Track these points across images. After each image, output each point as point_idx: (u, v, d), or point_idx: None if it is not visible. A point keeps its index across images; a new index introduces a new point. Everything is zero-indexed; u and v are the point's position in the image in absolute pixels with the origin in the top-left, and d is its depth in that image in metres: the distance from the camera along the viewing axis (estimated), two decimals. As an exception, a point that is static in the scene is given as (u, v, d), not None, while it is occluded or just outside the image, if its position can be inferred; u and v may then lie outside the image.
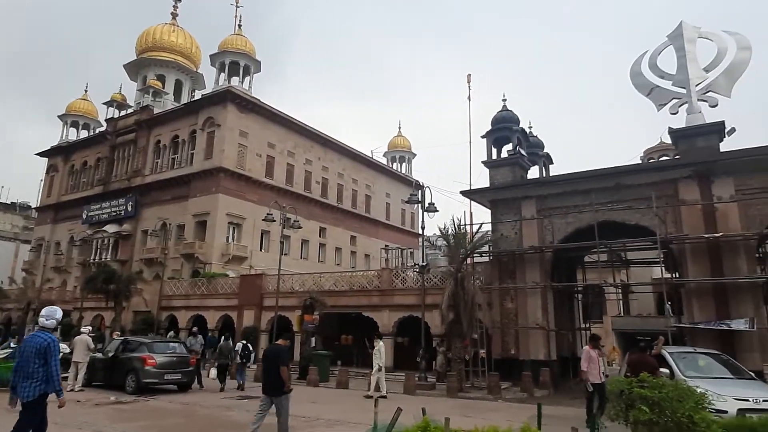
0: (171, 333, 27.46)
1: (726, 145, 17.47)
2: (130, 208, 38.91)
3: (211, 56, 40.33)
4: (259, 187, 35.71)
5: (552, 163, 24.37)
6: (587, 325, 23.45)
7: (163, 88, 45.79)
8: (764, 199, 15.72)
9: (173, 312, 29.63)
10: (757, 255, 17.16)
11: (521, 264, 19.39)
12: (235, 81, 39.70)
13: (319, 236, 40.14)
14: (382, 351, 15.48)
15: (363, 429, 9.51)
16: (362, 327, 23.33)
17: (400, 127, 55.61)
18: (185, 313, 28.91)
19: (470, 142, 36.42)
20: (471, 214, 29.26)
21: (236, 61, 39.54)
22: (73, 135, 49.18)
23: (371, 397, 14.53)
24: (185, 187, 35.72)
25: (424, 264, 19.25)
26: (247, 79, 40.35)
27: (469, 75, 40.50)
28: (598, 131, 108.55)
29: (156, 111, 41.36)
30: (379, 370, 15.13)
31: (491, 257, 20.61)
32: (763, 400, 9.54)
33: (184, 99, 46.83)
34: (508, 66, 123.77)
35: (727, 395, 9.57)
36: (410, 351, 21.17)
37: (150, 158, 39.74)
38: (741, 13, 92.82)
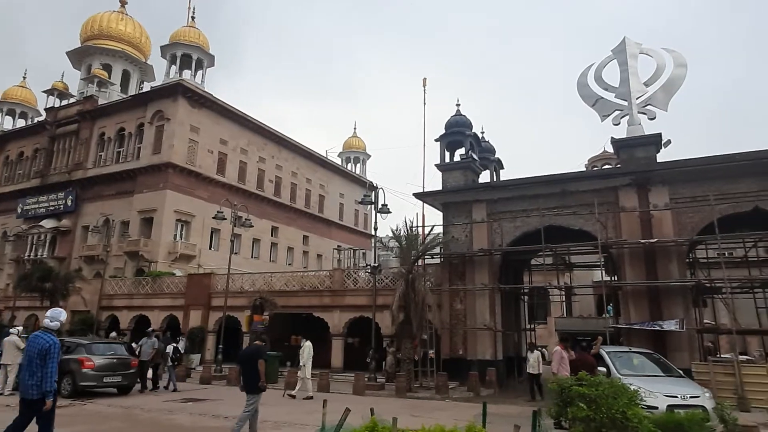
0: (113, 334, 26.35)
1: (662, 156, 18.47)
2: (69, 203, 37.03)
3: (161, 48, 39.02)
4: (210, 185, 34.83)
5: (503, 168, 25.02)
6: (532, 326, 24.22)
7: (110, 78, 43.89)
8: (694, 207, 16.74)
9: (114, 312, 28.44)
10: (687, 260, 18.25)
11: (471, 266, 19.80)
12: (186, 74, 38.61)
13: (271, 235, 39.57)
14: (305, 351, 15.27)
15: (311, 430, 9.47)
16: (313, 328, 23.17)
17: (355, 128, 55.67)
18: (127, 314, 27.81)
19: (424, 145, 36.78)
20: (423, 216, 29.65)
21: (188, 54, 38.43)
22: (9, 124, 46.29)
23: (294, 396, 14.44)
24: (131, 183, 34.36)
25: (376, 265, 19.35)
26: (200, 72, 39.32)
27: (425, 79, 40.83)
28: (550, 137, 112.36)
29: (101, 102, 39.60)
30: (303, 369, 14.97)
31: (442, 259, 20.96)
32: (690, 397, 10.20)
33: (132, 91, 45.06)
34: (464, 71, 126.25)
35: (658, 392, 10.18)
36: (361, 352, 21.20)
37: (93, 151, 37.97)
38: (678, 29, 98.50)
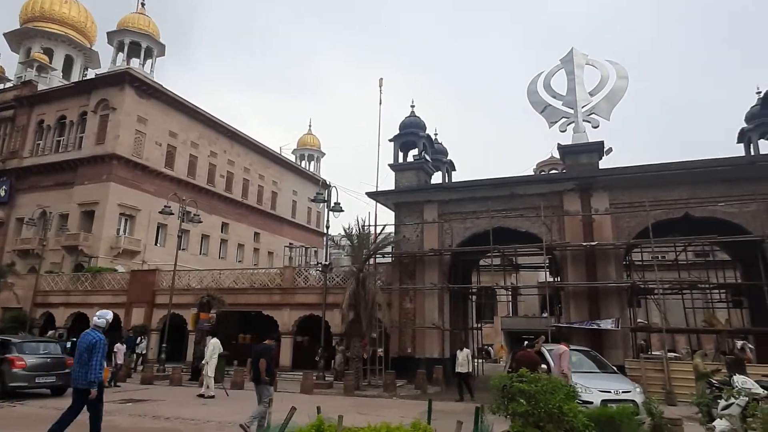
0: (51, 332, 25.11)
1: (604, 163, 19.40)
2: (3, 193, 34.83)
3: (108, 34, 37.33)
4: (158, 178, 33.64)
5: (455, 169, 25.51)
6: (479, 325, 24.80)
7: (51, 63, 41.57)
8: (632, 212, 17.68)
9: (50, 309, 27.05)
10: (624, 262, 19.23)
11: (421, 266, 20.10)
12: (135, 63, 37.09)
13: (221, 232, 38.67)
14: (210, 348, 15.02)
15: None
16: (262, 326, 22.87)
17: (310, 126, 55.22)
18: (64, 311, 26.50)
19: (379, 144, 36.98)
20: (376, 215, 29.84)
21: (137, 42, 36.94)
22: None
23: (204, 395, 14.21)
24: (71, 173, 32.69)
25: (327, 263, 19.31)
26: (149, 62, 37.87)
27: (381, 79, 40.97)
28: (503, 141, 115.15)
29: (41, 87, 37.44)
30: (205, 367, 14.73)
31: (393, 258, 21.16)
32: (623, 392, 10.79)
33: (75, 77, 42.84)
34: (421, 73, 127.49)
35: (594, 388, 10.71)
36: (310, 350, 21.12)
37: (30, 139, 35.87)
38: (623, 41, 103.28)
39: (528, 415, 6.35)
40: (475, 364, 22.74)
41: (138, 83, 33.16)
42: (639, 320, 23.09)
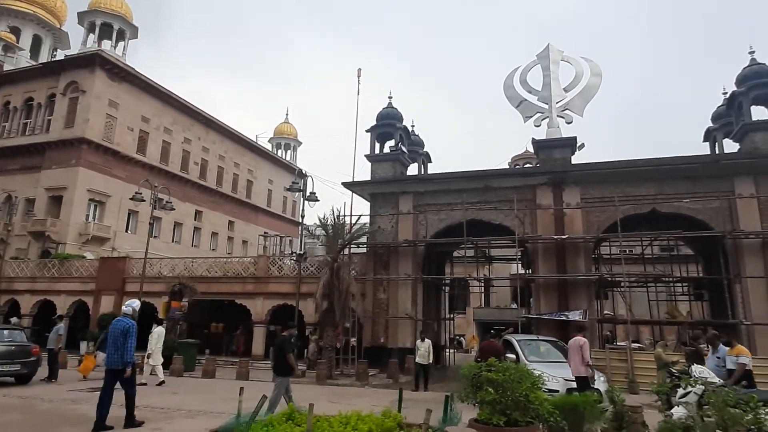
0: (14, 320, 24.46)
1: (576, 158, 19.76)
2: (-34, 177, 33.64)
3: (79, 14, 36.19)
4: (129, 164, 32.93)
5: (431, 161, 25.64)
6: (452, 316, 25.10)
7: (18, 42, 40.14)
8: (602, 207, 18.09)
9: (15, 296, 26.35)
10: (593, 256, 19.70)
11: (395, 256, 20.23)
12: (106, 45, 36.08)
13: (195, 219, 38.13)
14: (154, 337, 14.75)
15: (226, 418, 9.35)
16: (235, 315, 22.76)
17: (287, 114, 54.69)
18: (30, 298, 25.85)
19: (356, 135, 36.86)
20: (352, 205, 29.89)
21: (109, 23, 35.94)
22: None
23: (145, 383, 13.98)
24: (38, 157, 31.74)
25: (302, 252, 19.27)
26: (121, 44, 36.92)
27: (360, 69, 40.78)
28: (480, 134, 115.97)
29: (7, 68, 36.14)
30: (149, 356, 14.55)
31: (368, 249, 21.23)
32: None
33: (44, 58, 41.48)
34: (400, 64, 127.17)
35: (560, 377, 11.01)
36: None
37: (-5, 121, 34.66)
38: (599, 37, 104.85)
39: (495, 403, 6.52)
40: (447, 354, 23.15)
41: (109, 66, 32.28)
42: (606, 312, 23.72)
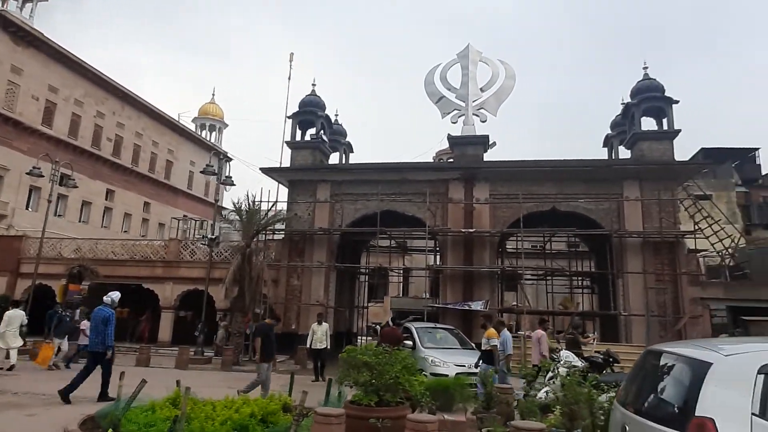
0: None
1: (488, 156, 20.73)
2: None
3: (-23, -32, 32.83)
4: (33, 136, 30.47)
5: (352, 151, 25.85)
6: (367, 304, 25.58)
7: None
8: (508, 203, 19.14)
9: None
10: (499, 249, 20.84)
11: (311, 244, 20.35)
12: (12, 6, 33.07)
13: (106, 199, 36.04)
14: (5, 320, 14.06)
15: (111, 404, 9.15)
16: (142, 300, 21.96)
17: (214, 94, 52.69)
18: None
19: (285, 121, 36.31)
20: (278, 192, 29.49)
21: (13, -19, 32.91)
22: None
23: (1, 368, 13.45)
24: (-77, 124, 28.72)
25: (213, 237, 18.90)
26: (29, 5, 33.96)
27: (292, 54, 40.17)
28: (410, 127, 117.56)
29: None
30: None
31: (284, 235, 21.19)
32: (475, 365, 11.90)
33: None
34: (335, 54, 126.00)
35: (450, 362, 11.71)
36: (193, 325, 20.63)
37: None
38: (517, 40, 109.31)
39: (368, 384, 6.91)
40: (361, 341, 23.60)
41: (14, 29, 29.63)
42: (513, 303, 25.15)
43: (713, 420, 2.99)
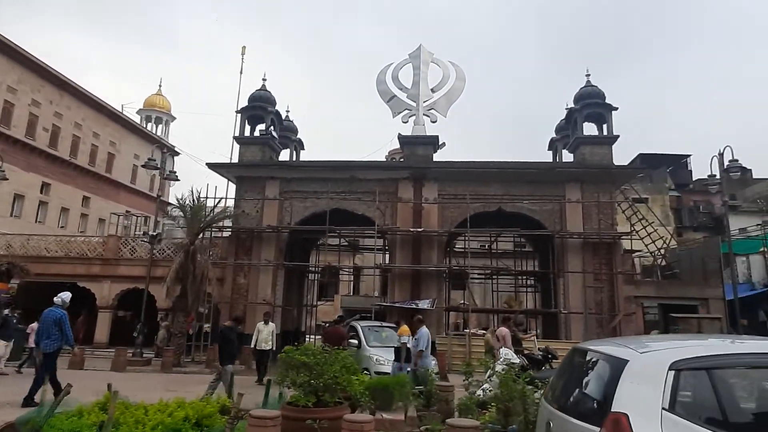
0: None
1: (438, 156, 20.96)
2: None
3: None
4: (-42, 123, 28.49)
5: (303, 148, 25.55)
6: (316, 303, 25.38)
7: None
8: (456, 203, 19.42)
9: None
10: (447, 249, 21.14)
11: (259, 242, 19.95)
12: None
13: (41, 192, 34.03)
14: None
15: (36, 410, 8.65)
16: (78, 299, 20.87)
17: (160, 85, 51.00)
18: None
19: (236, 116, 35.43)
20: (227, 188, 28.70)
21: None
22: None
23: None
24: None
25: (155, 233, 18.23)
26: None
27: (244, 47, 39.25)
28: (365, 126, 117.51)
29: None
30: None
31: (231, 233, 20.69)
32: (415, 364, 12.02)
33: None
34: (289, 50, 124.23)
35: (393, 360, 11.75)
36: (133, 326, 19.86)
37: None
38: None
39: (306, 385, 6.84)
40: (308, 340, 23.37)
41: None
42: (461, 302, 25.63)
43: (627, 415, 3.09)
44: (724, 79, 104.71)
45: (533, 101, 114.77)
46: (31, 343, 13.42)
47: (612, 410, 3.17)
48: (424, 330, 10.48)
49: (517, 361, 9.86)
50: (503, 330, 11.87)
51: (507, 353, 10.02)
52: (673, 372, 3.22)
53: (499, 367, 9.09)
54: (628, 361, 3.37)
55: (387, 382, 8.00)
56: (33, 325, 13.89)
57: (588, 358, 4.05)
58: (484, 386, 9.16)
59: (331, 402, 6.71)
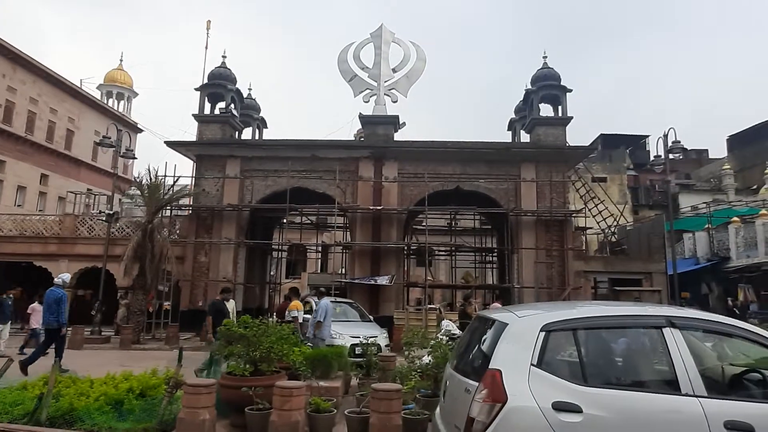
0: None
1: (398, 136, 21.21)
2: None
3: None
4: None
5: (266, 127, 25.41)
6: (280, 281, 25.59)
7: None
8: (415, 182, 19.78)
9: None
10: (407, 226, 21.55)
11: (219, 220, 19.99)
12: None
13: (-4, 170, 33.08)
14: None
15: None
16: (34, 279, 20.66)
17: (121, 60, 49.19)
18: None
19: (201, 92, 34.77)
20: (193, 167, 28.39)
21: None
22: None
23: None
24: None
25: (112, 212, 18.07)
26: None
27: (209, 21, 38.35)
28: (335, 105, 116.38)
29: None
30: None
31: (191, 211, 20.65)
32: (370, 337, 12.45)
33: None
34: (257, 24, 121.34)
35: (346, 333, 12.17)
36: (93, 305, 19.80)
37: None
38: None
39: (243, 355, 7.16)
40: (271, 317, 23.66)
41: None
42: (428, 278, 26.21)
43: (500, 371, 3.50)
44: (702, 54, 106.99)
45: (504, 79, 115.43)
46: (33, 324, 13.44)
47: (489, 367, 3.58)
48: (323, 302, 11.07)
49: (458, 332, 10.37)
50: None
51: (448, 324, 10.53)
52: (543, 333, 3.64)
53: (441, 338, 9.61)
54: (507, 324, 3.77)
55: (326, 353, 8.37)
56: (34, 305, 14.06)
57: (484, 324, 4.46)
58: (426, 356, 9.66)
59: (268, 371, 7.06)
